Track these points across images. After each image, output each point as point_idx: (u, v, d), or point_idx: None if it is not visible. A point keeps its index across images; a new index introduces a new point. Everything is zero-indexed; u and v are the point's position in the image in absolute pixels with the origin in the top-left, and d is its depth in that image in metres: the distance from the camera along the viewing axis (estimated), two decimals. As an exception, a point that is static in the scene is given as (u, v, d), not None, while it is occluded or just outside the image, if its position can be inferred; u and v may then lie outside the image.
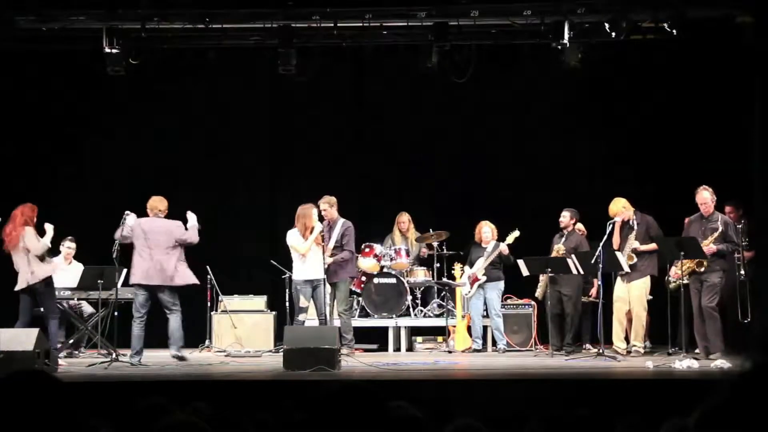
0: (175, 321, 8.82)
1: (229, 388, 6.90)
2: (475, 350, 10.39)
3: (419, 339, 10.82)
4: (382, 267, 10.90)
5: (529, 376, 7.85)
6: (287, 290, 10.41)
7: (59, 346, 9.58)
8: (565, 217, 10.06)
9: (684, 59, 10.42)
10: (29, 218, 8.82)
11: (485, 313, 10.56)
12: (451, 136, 11.92)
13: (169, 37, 10.09)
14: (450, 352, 10.39)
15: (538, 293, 10.27)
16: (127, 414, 2.95)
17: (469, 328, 10.54)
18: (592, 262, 9.11)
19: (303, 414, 3.16)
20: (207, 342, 10.77)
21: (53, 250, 10.00)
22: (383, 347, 10.74)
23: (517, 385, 7.07)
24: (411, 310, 10.89)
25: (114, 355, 8.54)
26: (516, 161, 11.69)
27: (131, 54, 10.04)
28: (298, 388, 6.91)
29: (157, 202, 8.94)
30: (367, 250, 10.86)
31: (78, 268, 10.11)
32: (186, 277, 8.83)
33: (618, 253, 9.18)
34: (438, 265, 11.09)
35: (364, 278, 10.87)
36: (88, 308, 10.28)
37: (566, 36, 9.50)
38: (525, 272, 9.89)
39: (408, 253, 11.02)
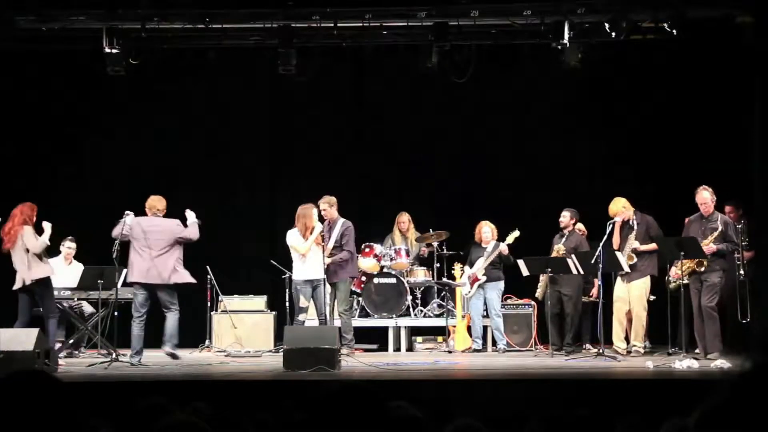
0: (172, 319, 8.81)
1: (229, 388, 6.90)
2: (475, 350, 10.39)
3: (419, 339, 10.82)
4: (382, 267, 10.90)
5: (529, 376, 7.84)
6: (287, 290, 10.41)
7: (59, 346, 9.60)
8: (565, 217, 10.07)
9: (684, 59, 10.42)
10: (28, 217, 8.83)
11: (485, 313, 10.56)
12: (451, 136, 11.92)
13: (169, 37, 10.09)
14: (450, 352, 10.39)
15: (538, 293, 10.27)
16: (127, 414, 2.95)
17: (469, 328, 10.54)
18: (592, 262, 9.10)
19: (303, 414, 3.16)
20: (207, 342, 10.77)
21: (53, 250, 10.01)
22: (383, 347, 10.74)
23: (517, 385, 7.07)
24: (411, 310, 10.89)
25: (114, 355, 8.54)
26: (516, 161, 11.69)
27: (131, 54, 10.04)
28: (298, 388, 6.90)
29: (156, 202, 8.94)
30: (367, 250, 10.86)
31: (78, 268, 10.11)
32: (183, 276, 8.83)
33: (618, 253, 9.18)
34: (438, 265, 11.09)
35: (364, 278, 10.87)
36: (88, 308, 10.28)
37: (566, 36, 9.50)
38: (525, 272, 9.89)
39: (408, 253, 11.02)
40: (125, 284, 9.26)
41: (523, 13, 9.65)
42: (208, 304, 10.82)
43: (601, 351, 8.98)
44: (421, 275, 11.13)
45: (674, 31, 9.43)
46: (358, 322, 10.57)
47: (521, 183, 11.56)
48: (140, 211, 8.94)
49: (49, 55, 10.58)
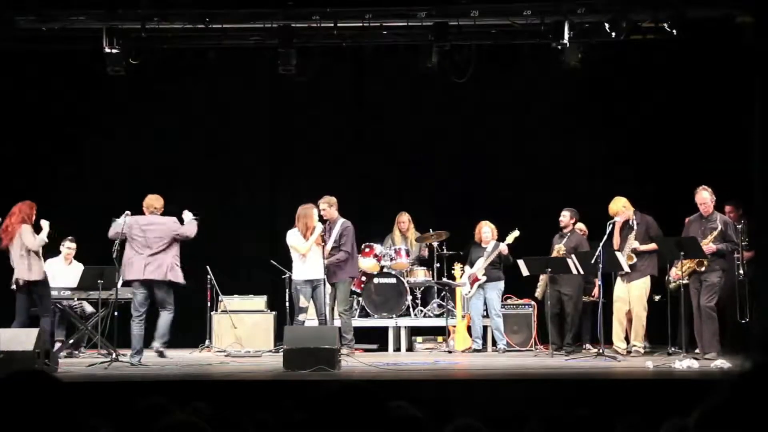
0: (166, 318, 8.80)
1: (229, 388, 6.89)
2: (475, 350, 10.39)
3: (419, 339, 10.82)
4: (382, 267, 10.90)
5: (529, 376, 7.84)
6: (287, 290, 10.40)
7: (59, 346, 9.60)
8: (565, 217, 10.07)
9: (684, 59, 10.42)
10: (27, 216, 8.83)
11: (485, 313, 10.56)
12: (451, 136, 11.92)
13: (169, 37, 10.09)
14: (450, 352, 10.39)
15: (538, 293, 10.27)
16: (127, 414, 2.95)
17: (469, 328, 10.54)
18: (592, 262, 9.10)
19: (303, 414, 3.16)
20: (207, 342, 10.77)
21: (53, 250, 10.01)
22: (383, 347, 10.74)
23: (517, 385, 7.06)
24: (411, 310, 10.89)
25: (114, 355, 8.53)
26: (516, 161, 11.69)
27: (131, 54, 10.04)
28: (298, 388, 6.90)
29: (153, 201, 8.93)
30: (367, 250, 10.86)
31: (78, 268, 10.11)
32: (178, 275, 8.81)
33: (618, 253, 9.18)
34: (438, 265, 11.09)
35: (364, 278, 10.87)
36: (88, 308, 10.28)
37: (566, 36, 9.50)
38: (525, 272, 9.89)
39: (408, 253, 11.02)
40: (125, 284, 9.25)
41: (523, 13, 9.65)
42: (208, 304, 10.82)
43: (601, 351, 8.98)
44: (421, 275, 11.14)
45: (674, 31, 9.43)
46: (358, 322, 10.57)
47: (521, 183, 11.56)
48: (140, 212, 8.93)
49: (49, 55, 10.58)
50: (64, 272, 10.17)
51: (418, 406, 2.84)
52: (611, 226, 9.21)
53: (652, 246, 9.22)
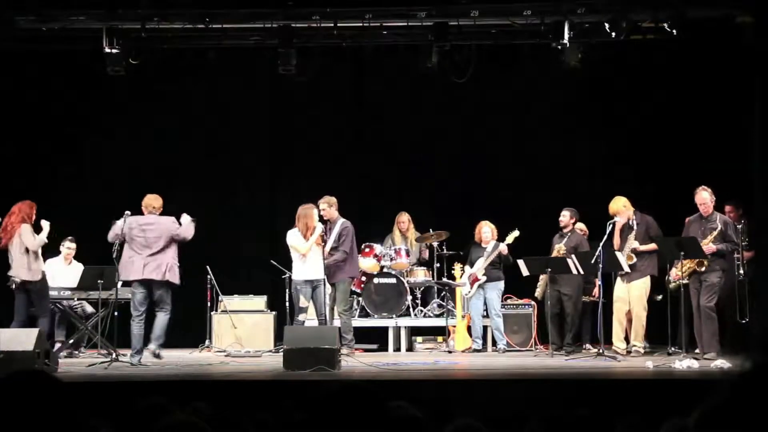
0: (163, 319, 8.74)
1: (229, 388, 6.89)
2: (475, 350, 10.39)
3: (419, 339, 10.82)
4: (382, 267, 10.90)
5: (529, 376, 7.84)
6: (287, 290, 10.40)
7: (59, 346, 9.60)
8: (565, 217, 10.07)
9: (684, 59, 10.42)
10: (27, 215, 8.83)
11: (485, 313, 10.56)
12: (451, 136, 11.92)
13: (169, 37, 10.09)
14: (450, 352, 10.39)
15: (538, 293, 10.27)
16: (127, 414, 2.95)
17: (469, 328, 10.54)
18: (592, 262, 9.10)
19: (303, 414, 3.16)
20: (207, 342, 10.77)
21: (53, 250, 10.01)
22: (383, 347, 10.74)
23: (517, 385, 7.06)
24: (411, 310, 10.89)
25: (114, 355, 8.53)
26: (516, 161, 11.69)
27: (131, 54, 10.04)
28: (298, 388, 6.90)
29: (152, 200, 8.91)
30: (367, 250, 10.86)
31: (78, 268, 10.11)
32: (176, 276, 8.79)
33: (618, 253, 9.18)
34: (438, 265, 11.09)
35: (364, 278, 10.87)
36: (88, 308, 10.28)
37: (566, 36, 9.50)
38: (525, 272, 9.89)
39: (408, 253, 11.02)
40: (125, 284, 9.25)
41: (523, 13, 9.65)
42: (208, 304, 10.82)
43: (601, 351, 8.98)
44: (421, 275, 11.14)
45: (674, 31, 9.43)
46: (358, 322, 10.57)
47: (521, 183, 11.56)
48: (139, 211, 8.91)
49: (49, 55, 10.58)
50: (64, 272, 10.17)
51: (418, 406, 2.84)
52: (611, 226, 9.21)
53: (652, 246, 9.22)
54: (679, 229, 9.17)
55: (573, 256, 9.51)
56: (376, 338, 10.89)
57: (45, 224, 8.94)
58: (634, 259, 9.26)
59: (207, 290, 10.76)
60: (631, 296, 9.31)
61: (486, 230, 10.54)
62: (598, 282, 9.52)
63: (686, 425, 2.43)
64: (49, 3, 9.68)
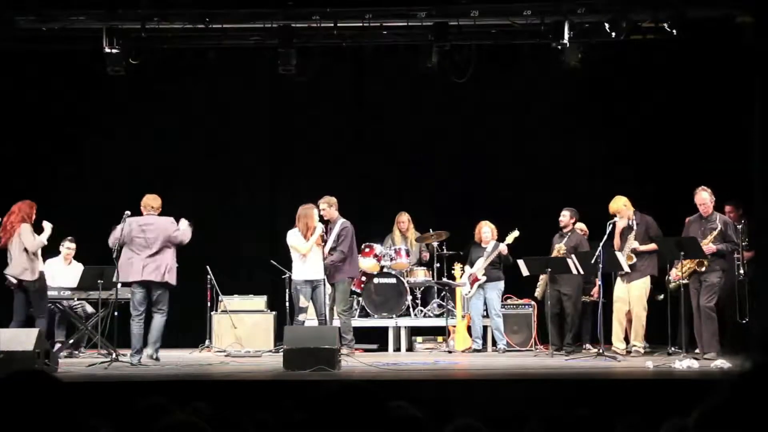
0: (160, 322, 8.70)
1: (229, 388, 6.89)
2: (475, 350, 10.39)
3: (419, 339, 10.81)
4: (382, 267, 10.90)
5: (529, 376, 7.84)
6: (287, 290, 10.40)
7: (59, 346, 9.59)
8: (565, 217, 10.06)
9: (684, 59, 10.42)
10: (26, 215, 8.83)
11: (485, 313, 10.56)
12: (451, 136, 11.92)
13: (169, 37, 10.09)
14: (450, 352, 10.39)
15: (537, 293, 10.27)
16: (127, 414, 2.95)
17: (469, 328, 10.54)
18: (592, 262, 9.10)
19: (303, 414, 3.16)
20: (207, 342, 10.77)
21: (53, 250, 10.01)
22: (383, 347, 10.74)
23: (517, 385, 7.06)
24: (411, 310, 10.90)
25: (114, 355, 8.52)
26: (516, 161, 11.69)
27: (131, 54, 10.04)
28: (298, 388, 6.90)
29: (151, 200, 8.90)
30: (367, 250, 10.86)
31: (78, 268, 10.11)
32: (174, 277, 8.78)
33: (618, 253, 9.18)
34: (438, 265, 11.09)
35: (364, 278, 10.87)
36: (88, 308, 10.27)
37: (566, 36, 9.51)
38: (525, 272, 9.89)
39: (408, 253, 11.02)
40: (125, 284, 9.24)
41: (523, 13, 9.66)
42: (208, 304, 10.81)
43: (601, 351, 8.97)
44: (421, 275, 11.14)
45: (674, 31, 9.43)
46: (358, 322, 10.58)
47: (521, 183, 11.56)
48: (139, 211, 8.89)
49: (49, 55, 10.58)
50: (63, 272, 10.16)
51: (418, 406, 2.84)
52: (611, 226, 9.21)
53: (652, 246, 9.22)
54: (679, 229, 9.17)
55: (573, 256, 9.51)
56: (376, 338, 10.89)
57: (47, 226, 8.93)
58: (634, 259, 9.26)
59: (207, 290, 10.76)
60: (631, 296, 9.31)
61: (486, 230, 10.54)
62: (599, 282, 9.52)
63: (686, 425, 2.43)
64: (49, 3, 9.68)
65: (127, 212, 8.76)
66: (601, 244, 9.03)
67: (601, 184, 10.85)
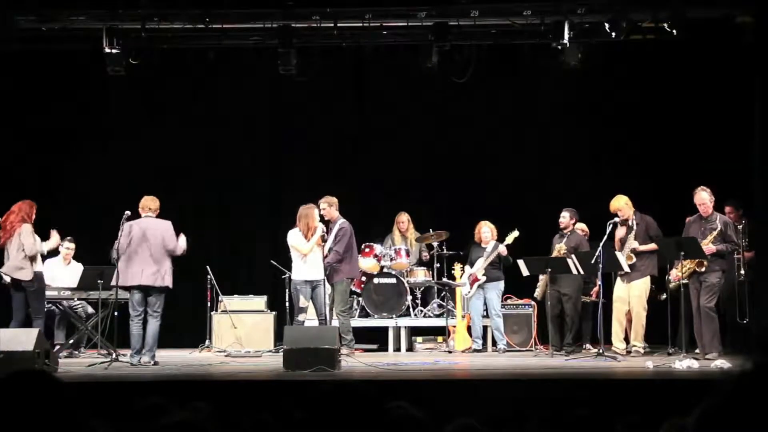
0: (153, 327, 8.63)
1: (229, 388, 6.89)
2: (475, 350, 10.39)
3: (419, 339, 10.81)
4: (382, 267, 10.90)
5: (529, 376, 7.83)
6: (287, 290, 10.40)
7: (57, 348, 9.57)
8: (565, 218, 10.06)
9: (684, 59, 10.42)
10: (27, 214, 8.81)
11: (485, 313, 10.56)
12: (451, 136, 11.92)
13: (169, 37, 10.09)
14: (450, 352, 10.39)
15: (537, 293, 10.27)
16: (127, 414, 2.95)
17: (469, 328, 10.54)
18: (592, 262, 9.10)
19: (303, 414, 3.16)
20: (207, 342, 10.77)
21: (52, 250, 9.99)
22: (383, 347, 10.74)
23: (517, 385, 7.06)
24: (411, 310, 10.90)
25: (114, 355, 8.52)
26: (516, 161, 11.68)
27: (131, 54, 10.04)
28: (298, 388, 6.90)
29: (150, 202, 8.86)
30: (367, 250, 10.86)
31: (77, 268, 10.10)
32: (171, 280, 8.74)
33: (618, 253, 9.18)
34: (438, 265, 11.09)
35: (364, 278, 10.87)
36: (89, 308, 10.27)
37: (566, 36, 9.51)
38: (525, 272, 9.89)
39: (408, 253, 11.02)
40: (124, 288, 9.21)
41: (523, 13, 9.66)
42: (208, 304, 10.81)
43: (601, 351, 8.97)
44: (421, 275, 11.14)
45: (674, 31, 9.44)
46: (358, 322, 10.58)
47: (521, 183, 11.55)
48: (136, 211, 8.86)
49: (49, 55, 10.58)
50: (63, 272, 10.16)
51: (418, 406, 2.84)
52: (611, 226, 9.20)
53: (652, 246, 9.22)
54: (679, 229, 9.17)
55: (573, 256, 9.50)
56: (376, 338, 10.89)
57: (54, 236, 8.91)
58: (634, 259, 9.25)
59: (207, 290, 10.75)
60: (631, 296, 9.31)
61: (486, 230, 10.54)
62: (599, 282, 9.51)
63: (686, 425, 2.43)
64: (49, 3, 9.69)
65: (127, 212, 8.73)
66: (601, 244, 9.03)
67: (601, 184, 10.84)
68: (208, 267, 10.65)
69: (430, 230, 11.09)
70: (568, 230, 10.03)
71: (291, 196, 10.58)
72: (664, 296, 9.60)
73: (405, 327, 10.77)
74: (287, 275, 10.23)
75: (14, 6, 9.67)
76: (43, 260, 9.27)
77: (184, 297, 10.49)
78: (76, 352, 10.05)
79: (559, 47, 9.63)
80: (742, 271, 9.12)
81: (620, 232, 9.34)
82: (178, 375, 7.86)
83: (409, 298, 10.89)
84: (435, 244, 11.12)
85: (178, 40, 10.15)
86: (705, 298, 8.66)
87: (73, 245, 10.36)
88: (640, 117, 11.16)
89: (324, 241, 9.41)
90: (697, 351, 8.75)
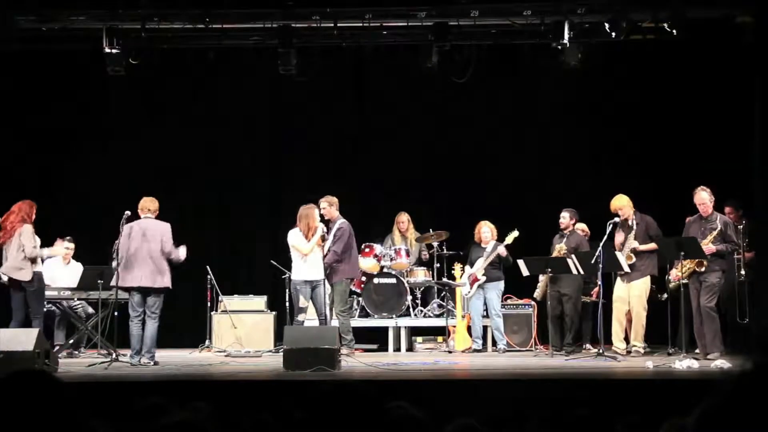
0: (152, 328, 8.62)
1: (229, 388, 6.89)
2: (475, 350, 10.39)
3: (419, 339, 10.81)
4: (382, 267, 10.90)
5: (529, 376, 7.83)
6: (287, 290, 10.40)
7: (56, 348, 9.57)
8: (565, 218, 10.06)
9: (684, 59, 10.42)
10: (27, 215, 8.80)
11: (485, 313, 10.56)
12: (451, 136, 11.92)
13: (169, 37, 10.09)
14: (450, 352, 10.39)
15: (537, 294, 10.27)
16: (127, 414, 2.95)
17: (469, 328, 10.54)
18: (592, 262, 9.10)
19: (303, 414, 3.16)
20: (207, 342, 10.77)
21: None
22: (383, 347, 10.74)
23: (517, 385, 7.06)
24: (411, 310, 10.90)
25: (114, 355, 8.51)
26: (516, 161, 11.69)
27: (131, 54, 10.04)
28: (298, 388, 6.89)
29: (149, 203, 8.84)
30: (367, 250, 10.86)
31: (77, 268, 10.09)
32: (170, 281, 8.74)
33: (618, 253, 9.18)
34: (438, 265, 11.09)
35: (364, 278, 10.87)
36: (89, 308, 10.27)
37: (566, 36, 9.51)
38: (525, 272, 9.89)
39: (408, 253, 11.02)
40: (123, 289, 9.19)
41: (523, 13, 9.67)
42: (208, 304, 10.81)
43: (601, 351, 8.97)
44: (421, 275, 11.14)
45: (674, 31, 9.44)
46: (358, 322, 10.58)
47: (521, 183, 11.55)
48: (136, 212, 8.86)
49: (49, 55, 10.58)
50: (63, 272, 10.15)
51: (418, 406, 2.84)
52: (611, 226, 9.20)
53: (652, 246, 9.22)
54: (679, 229, 9.17)
55: (573, 256, 9.50)
56: (376, 338, 10.89)
57: (59, 244, 8.89)
58: (634, 259, 9.25)
59: (207, 290, 10.75)
60: (631, 296, 9.31)
61: (486, 230, 10.54)
62: (599, 282, 9.51)
63: (686, 425, 2.43)
64: (49, 3, 9.69)
65: (127, 212, 8.73)
66: (601, 244, 9.03)
67: (601, 184, 10.84)
68: (208, 267, 10.65)
69: (430, 230, 11.09)
70: (568, 230, 10.03)
71: (291, 196, 10.58)
72: (664, 296, 9.60)
73: (405, 327, 10.77)
74: (287, 275, 10.23)
75: (14, 6, 9.67)
76: (43, 261, 9.26)
77: (184, 297, 10.48)
78: (76, 352, 10.05)
79: (559, 47, 9.63)
80: (742, 272, 9.12)
81: (619, 236, 9.34)
82: (178, 375, 7.86)
83: (409, 298, 10.89)
84: (435, 244, 11.12)
85: (178, 40, 10.15)
86: (705, 298, 8.66)
87: (72, 245, 10.35)
88: (640, 117, 11.16)
89: (324, 241, 9.41)
90: (697, 351, 8.75)
